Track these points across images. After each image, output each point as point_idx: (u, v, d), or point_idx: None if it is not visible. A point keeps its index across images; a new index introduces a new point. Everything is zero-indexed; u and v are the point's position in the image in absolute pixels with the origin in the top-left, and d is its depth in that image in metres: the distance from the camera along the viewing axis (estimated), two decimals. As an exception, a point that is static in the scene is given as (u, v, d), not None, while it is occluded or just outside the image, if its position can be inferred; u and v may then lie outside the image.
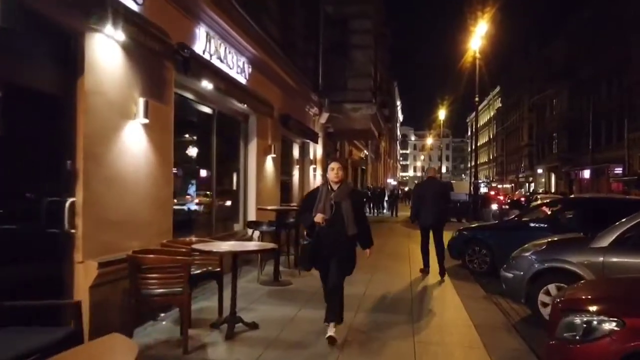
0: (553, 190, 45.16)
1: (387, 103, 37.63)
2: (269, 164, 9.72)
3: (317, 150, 14.18)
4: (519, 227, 8.57)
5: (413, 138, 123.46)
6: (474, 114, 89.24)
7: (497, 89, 73.77)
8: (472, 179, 25.74)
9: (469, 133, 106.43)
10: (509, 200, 31.79)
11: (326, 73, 14.33)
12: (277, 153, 10.12)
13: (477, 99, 24.69)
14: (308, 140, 13.34)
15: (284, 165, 12.44)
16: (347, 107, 14.35)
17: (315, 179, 14.19)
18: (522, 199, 27.53)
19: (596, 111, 37.05)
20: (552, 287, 5.34)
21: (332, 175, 4.70)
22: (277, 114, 10.17)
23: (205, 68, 6.06)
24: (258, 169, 9.01)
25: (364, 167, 29.83)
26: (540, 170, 52.12)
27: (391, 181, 53.39)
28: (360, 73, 14.40)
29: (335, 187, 4.68)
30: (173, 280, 3.98)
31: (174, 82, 5.70)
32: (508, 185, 63.92)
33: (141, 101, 4.83)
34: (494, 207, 25.39)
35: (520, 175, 60.28)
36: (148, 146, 5.10)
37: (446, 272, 8.30)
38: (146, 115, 4.86)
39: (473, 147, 29.08)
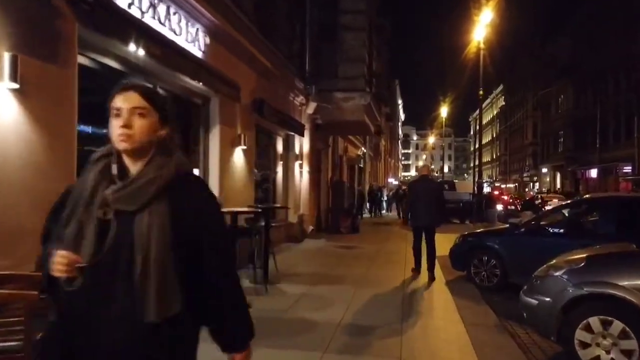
0: (558, 189, 43.95)
1: (386, 98, 36.17)
2: (238, 157, 8.24)
3: (303, 144, 12.70)
4: (536, 232, 7.05)
5: (415, 137, 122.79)
6: (477, 112, 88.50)
7: (500, 87, 72.61)
8: (476, 177, 24.25)
9: (472, 132, 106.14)
10: (521, 201, 30.40)
11: (314, 58, 12.84)
12: (249, 145, 8.65)
13: (481, 92, 23.33)
14: (292, 133, 11.86)
15: (264, 160, 10.96)
16: (337, 97, 12.87)
17: (302, 176, 12.71)
18: (537, 197, 25.84)
19: (604, 108, 35.90)
20: (594, 321, 3.83)
21: (117, 130, 1.40)
22: (249, 99, 8.70)
23: (126, 24, 4.56)
24: (222, 162, 7.53)
25: (361, 166, 28.29)
26: (545, 170, 51.19)
27: (392, 181, 52.04)
28: (352, 58, 12.91)
29: (131, 166, 1.44)
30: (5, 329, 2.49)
31: (80, 41, 4.22)
32: (511, 185, 63.18)
33: (6, 57, 3.35)
34: (499, 207, 23.92)
35: (524, 175, 59.25)
36: (25, 122, 3.62)
37: (447, 285, 6.96)
38: (14, 78, 3.38)
39: (477, 144, 27.51)
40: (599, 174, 37.25)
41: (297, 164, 12.32)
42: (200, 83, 6.49)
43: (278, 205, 10.31)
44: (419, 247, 8.03)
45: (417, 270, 8.02)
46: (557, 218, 7.51)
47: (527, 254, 6.62)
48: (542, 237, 6.91)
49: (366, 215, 25.35)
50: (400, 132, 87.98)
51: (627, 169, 33.84)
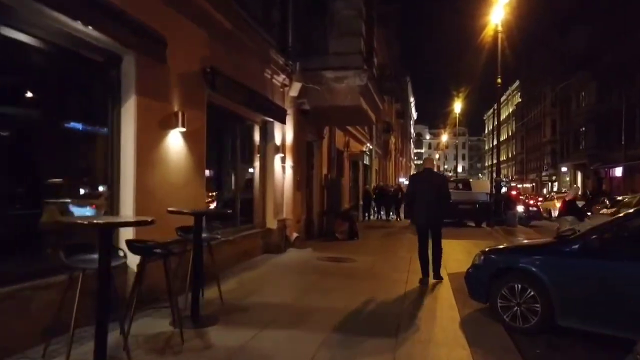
0: (580, 190, 41.39)
1: (397, 91, 33.82)
2: (175, 143, 6.05)
3: (286, 133, 10.48)
4: (600, 251, 4.69)
5: (428, 137, 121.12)
6: (492, 110, 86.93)
7: (516, 83, 70.08)
8: (494, 176, 21.86)
9: (486, 131, 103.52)
10: (540, 200, 27.86)
11: (299, 29, 10.61)
12: (195, 128, 6.47)
13: (499, 80, 20.99)
14: (270, 119, 9.65)
15: (229, 151, 8.77)
16: (328, 76, 10.65)
17: (285, 172, 10.48)
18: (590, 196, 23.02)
19: (630, 102, 33.53)
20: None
21: None
22: (197, 67, 6.52)
23: None
24: (142, 150, 5.33)
25: (367, 163, 25.95)
26: (564, 169, 48.85)
27: (403, 180, 49.92)
28: (345, 31, 10.67)
29: None
30: None
31: None
32: (528, 185, 61.01)
33: None
34: (520, 209, 21.47)
35: (543, 174, 56.91)
36: None
37: (463, 326, 4.80)
38: None
39: (494, 140, 25.13)
40: (624, 172, 35.03)
41: (277, 157, 10.11)
42: (90, 27, 4.31)
43: (225, 210, 7.82)
44: (425, 251, 7.24)
45: (424, 281, 7.15)
46: (628, 229, 5.11)
47: (588, 284, 4.34)
48: (611, 259, 4.56)
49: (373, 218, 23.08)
50: (412, 130, 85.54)
51: (657, 166, 31.96)
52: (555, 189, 51.15)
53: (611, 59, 34.65)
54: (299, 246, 10.59)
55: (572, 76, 41.91)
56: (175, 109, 5.97)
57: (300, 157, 11.59)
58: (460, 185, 22.90)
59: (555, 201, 28.27)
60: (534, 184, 62.26)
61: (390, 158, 43.25)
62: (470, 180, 26.83)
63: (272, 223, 9.79)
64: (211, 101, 7.12)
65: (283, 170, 10.45)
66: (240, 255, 8.27)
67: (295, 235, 10.51)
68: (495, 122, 22.01)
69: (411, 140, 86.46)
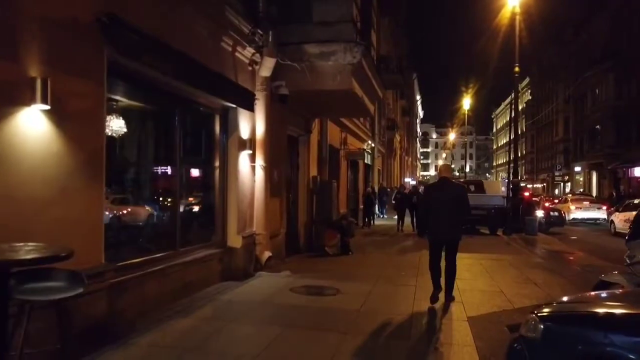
0: (595, 191, 38.91)
1: (402, 85, 31.42)
2: (31, 130, 3.74)
3: (257, 124, 8.17)
4: None
5: (434, 136, 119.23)
6: (499, 108, 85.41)
7: (527, 80, 67.70)
8: (510, 176, 19.50)
9: (494, 129, 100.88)
10: (555, 201, 25.26)
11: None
12: (86, 107, 4.18)
13: (517, 69, 18.62)
14: (233, 105, 7.35)
15: (172, 148, 6.47)
16: (311, 52, 8.34)
17: (255, 174, 8.17)
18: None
19: None
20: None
21: None
22: (87, 14, 4.22)
23: None
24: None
25: (368, 163, 23.54)
26: (578, 168, 46.51)
27: (409, 180, 47.81)
28: (333, -7, 8.38)
29: None
30: None
31: None
32: (539, 185, 59.08)
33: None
34: (540, 214, 19.00)
35: (556, 174, 54.71)
36: None
37: None
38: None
39: (511, 134, 22.80)
40: None
41: (244, 154, 7.81)
42: None
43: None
44: (437, 266, 6.52)
45: (435, 297, 6.37)
46: None
47: None
48: None
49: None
50: (418, 129, 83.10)
51: (680, 165, 29.90)
52: (567, 189, 48.80)
53: (631, 53, 32.22)
54: (274, 268, 8.27)
55: (588, 70, 39.40)
56: (32, 73, 3.67)
57: (278, 155, 9.26)
58: (472, 188, 20.37)
59: (570, 204, 25.93)
60: (544, 184, 60.27)
61: (395, 157, 40.88)
62: (484, 181, 24.43)
63: (235, 240, 7.47)
64: (127, 71, 4.83)
65: (252, 171, 8.13)
66: (178, 291, 5.95)
67: (267, 254, 8.17)
68: (513, 114, 19.64)
69: (417, 139, 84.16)
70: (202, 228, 7.25)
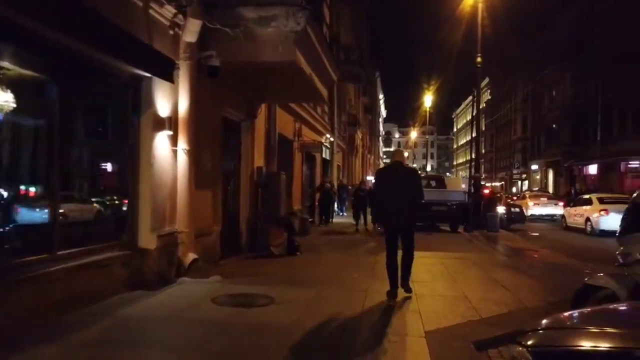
0: (551, 189, 39.33)
1: (364, 79, 30.51)
2: None
3: (179, 100, 6.84)
4: None
5: (397, 135, 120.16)
6: (460, 108, 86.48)
7: (486, 80, 68.60)
8: (472, 172, 18.78)
9: (455, 129, 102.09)
10: (510, 198, 25.03)
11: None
12: None
13: (479, 59, 17.94)
14: (147, 74, 6.00)
15: (60, 124, 5.04)
16: (247, 15, 7.05)
17: (177, 159, 6.83)
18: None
19: (606, 97, 31.77)
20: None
21: None
22: None
23: None
24: None
25: (327, 157, 22.38)
26: (535, 167, 47.11)
27: (370, 178, 47.01)
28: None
29: None
30: None
31: None
32: (498, 184, 60.06)
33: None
34: (501, 210, 18.35)
35: (514, 172, 55.61)
36: None
37: None
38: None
39: (472, 133, 22.26)
40: (599, 169, 33.34)
41: (162, 135, 6.46)
42: None
43: None
44: (394, 261, 6.03)
45: (393, 294, 5.90)
46: None
47: None
48: None
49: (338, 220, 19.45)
50: (381, 128, 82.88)
51: (635, 163, 30.28)
52: (525, 187, 49.34)
53: (590, 53, 32.42)
54: (201, 273, 6.94)
55: (547, 69, 39.61)
56: None
57: (210, 138, 7.93)
58: (433, 183, 19.59)
59: (528, 200, 26.05)
60: (503, 182, 61.17)
61: (357, 154, 39.99)
62: (444, 177, 23.76)
63: (148, 240, 6.10)
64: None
65: (175, 157, 6.78)
66: (62, 304, 4.56)
67: (191, 257, 6.83)
68: (475, 109, 18.96)
69: (380, 138, 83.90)
70: (102, 226, 5.86)
